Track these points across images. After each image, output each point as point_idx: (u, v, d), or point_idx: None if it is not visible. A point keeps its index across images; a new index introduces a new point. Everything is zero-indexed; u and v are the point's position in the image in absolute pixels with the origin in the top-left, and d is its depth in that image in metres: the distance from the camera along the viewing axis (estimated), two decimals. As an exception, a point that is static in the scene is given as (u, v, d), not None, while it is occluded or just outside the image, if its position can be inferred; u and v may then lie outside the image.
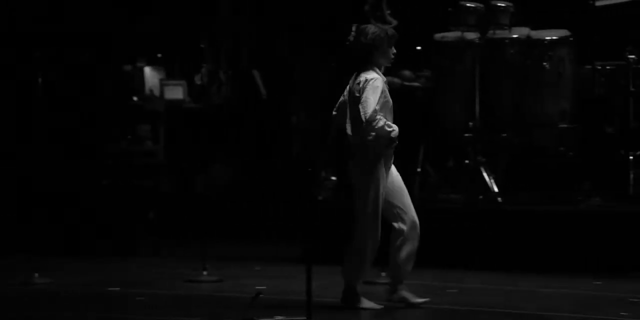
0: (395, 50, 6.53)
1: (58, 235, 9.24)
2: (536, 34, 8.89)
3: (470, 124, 8.87)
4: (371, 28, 6.48)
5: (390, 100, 6.48)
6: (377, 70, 6.48)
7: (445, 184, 9.07)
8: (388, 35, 6.46)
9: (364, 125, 6.35)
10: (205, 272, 7.76)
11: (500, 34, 8.90)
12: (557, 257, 8.14)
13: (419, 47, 9.42)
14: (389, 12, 9.20)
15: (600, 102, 8.85)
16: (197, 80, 10.90)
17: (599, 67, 8.82)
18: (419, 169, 9.06)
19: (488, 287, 7.34)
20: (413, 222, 6.51)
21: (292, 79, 10.64)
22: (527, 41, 8.87)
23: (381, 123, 6.34)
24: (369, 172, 6.45)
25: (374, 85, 6.37)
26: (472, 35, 8.93)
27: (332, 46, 9.59)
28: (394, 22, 9.24)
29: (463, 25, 8.93)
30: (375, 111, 6.34)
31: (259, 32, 10.90)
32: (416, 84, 9.44)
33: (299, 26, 10.60)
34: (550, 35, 8.85)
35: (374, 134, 6.34)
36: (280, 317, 6.10)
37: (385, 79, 6.48)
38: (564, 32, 8.87)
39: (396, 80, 9.39)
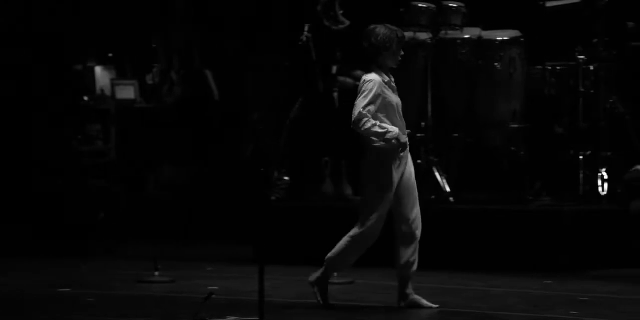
0: (403, 52, 6.50)
1: (8, 236, 9.15)
2: (487, 34, 8.94)
3: (423, 124, 8.90)
4: (382, 29, 6.44)
5: (394, 100, 6.42)
6: (380, 71, 6.43)
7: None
8: (398, 37, 6.42)
9: (352, 127, 6.33)
10: (157, 273, 7.72)
11: (452, 34, 8.94)
12: (509, 256, 8.19)
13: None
14: (341, 12, 9.21)
15: (551, 102, 8.92)
16: (149, 80, 10.85)
17: (550, 68, 8.89)
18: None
19: (441, 286, 7.37)
20: (404, 233, 6.47)
21: (245, 79, 10.62)
22: (479, 42, 8.91)
23: (368, 125, 6.31)
24: (372, 174, 6.42)
25: (367, 88, 6.37)
26: (424, 36, 8.96)
27: (285, 46, 9.59)
28: (347, 23, 9.26)
29: (415, 26, 8.96)
30: (361, 114, 6.32)
31: (211, 32, 10.86)
32: (369, 84, 9.45)
33: (251, 26, 10.58)
34: (502, 36, 8.90)
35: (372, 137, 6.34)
36: (232, 318, 6.09)
37: (386, 79, 6.41)
38: (514, 33, 8.93)
39: (349, 80, 9.40)
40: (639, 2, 9.01)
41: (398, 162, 6.43)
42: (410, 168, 6.52)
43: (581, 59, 8.74)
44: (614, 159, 8.79)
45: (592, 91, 8.80)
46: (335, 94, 9.26)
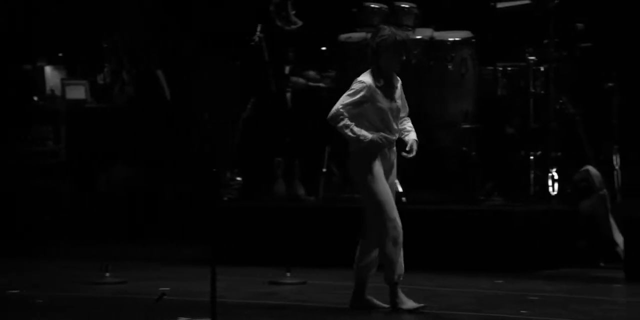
0: (405, 57, 6.44)
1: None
2: (439, 35, 8.98)
3: (375, 124, 8.91)
4: (384, 31, 6.39)
5: (385, 105, 6.34)
6: (379, 73, 6.37)
7: (350, 183, 9.11)
8: (396, 41, 6.34)
9: (327, 119, 6.32)
10: (107, 274, 7.67)
11: (404, 35, 8.96)
12: (459, 256, 8.23)
13: (324, 48, 9.45)
14: (294, 12, 9.21)
15: (502, 102, 8.98)
16: (100, 80, 10.78)
17: (501, 68, 8.95)
18: (324, 169, 9.09)
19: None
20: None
21: (197, 79, 10.59)
22: (431, 42, 8.95)
23: (341, 123, 6.29)
24: (363, 165, 6.37)
25: (355, 87, 6.34)
26: (376, 36, 8.97)
27: (237, 46, 9.57)
28: (299, 23, 9.27)
29: (368, 26, 8.97)
30: (338, 111, 6.28)
31: (163, 32, 10.82)
32: (321, 84, 9.47)
33: (203, 26, 10.54)
34: (453, 37, 8.94)
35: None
36: (184, 318, 6.06)
37: (380, 83, 6.35)
38: (466, 34, 8.98)
39: (301, 80, 9.41)
40: (588, 3, 9.10)
41: (383, 158, 6.40)
42: (394, 171, 6.49)
43: (532, 59, 8.80)
44: (564, 159, 8.86)
45: (542, 92, 8.87)
46: (288, 94, 9.26)
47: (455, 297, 7.03)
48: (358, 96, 6.34)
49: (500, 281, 7.68)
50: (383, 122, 6.36)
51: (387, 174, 6.44)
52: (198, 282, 7.22)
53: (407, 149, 6.46)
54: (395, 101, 6.43)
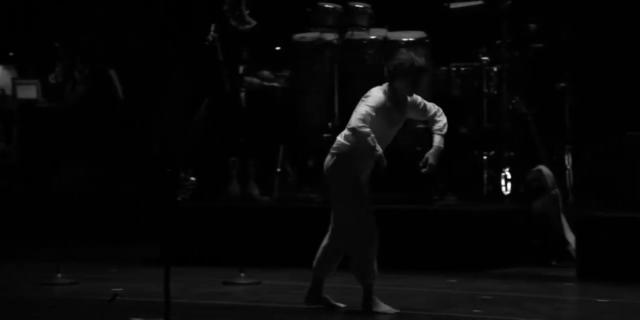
0: (419, 82, 6.36)
1: None
2: (393, 35, 9.01)
3: (330, 124, 8.92)
4: (402, 55, 6.35)
5: (382, 123, 6.29)
6: (394, 93, 6.31)
7: (304, 183, 9.11)
8: (414, 67, 6.30)
9: (349, 127, 6.25)
10: (59, 275, 7.61)
11: (358, 35, 8.98)
12: (413, 255, 8.25)
13: (278, 48, 9.45)
14: (248, 12, 9.19)
15: (456, 102, 9.02)
16: (51, 79, 10.69)
17: (454, 69, 8.99)
18: (278, 169, 9.09)
19: (344, 286, 7.39)
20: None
21: (151, 79, 10.53)
22: (385, 42, 8.97)
23: (366, 130, 6.18)
24: (345, 173, 6.35)
25: (372, 94, 6.28)
26: (330, 36, 8.99)
27: (191, 45, 9.54)
28: (253, 23, 9.25)
29: (322, 26, 8.98)
30: (367, 114, 6.21)
31: (116, 31, 10.75)
32: (275, 84, 9.46)
33: (157, 25, 10.49)
34: (407, 37, 8.97)
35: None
36: (137, 319, 6.03)
37: (388, 104, 6.28)
38: (420, 34, 9.01)
39: (255, 80, 9.40)
40: (541, 4, 9.17)
41: (365, 167, 6.41)
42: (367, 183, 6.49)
43: (485, 60, 8.85)
44: (516, 159, 8.92)
45: (495, 92, 8.92)
46: (242, 94, 9.24)
47: (410, 297, 7.05)
48: (376, 103, 6.26)
49: (453, 280, 7.71)
50: (377, 136, 6.32)
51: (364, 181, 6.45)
52: (151, 282, 7.18)
53: (421, 163, 6.40)
54: (396, 124, 6.40)
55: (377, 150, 6.25)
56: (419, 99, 6.48)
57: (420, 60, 6.35)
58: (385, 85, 6.39)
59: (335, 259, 6.50)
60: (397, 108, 6.39)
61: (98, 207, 10.22)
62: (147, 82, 10.52)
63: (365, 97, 6.36)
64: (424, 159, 6.39)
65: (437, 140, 6.44)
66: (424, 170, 6.39)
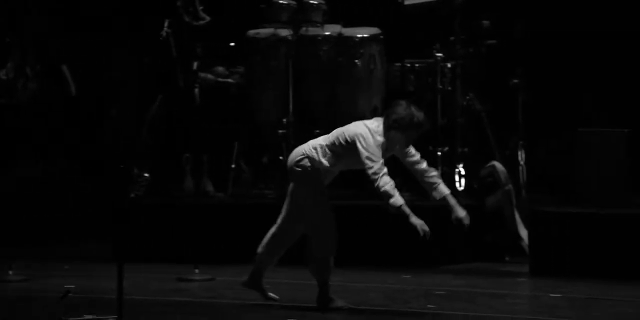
0: (411, 135, 6.30)
1: None
2: (347, 31, 9.02)
3: (284, 120, 8.92)
4: (402, 109, 6.26)
5: (354, 160, 6.29)
6: (389, 143, 6.28)
7: (259, 180, 9.10)
8: (413, 123, 6.25)
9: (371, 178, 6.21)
10: (11, 272, 7.55)
11: (312, 31, 8.98)
12: (367, 251, 8.27)
13: (232, 44, 9.42)
14: (201, 8, 9.16)
15: (410, 99, 9.03)
16: (2, 75, 10.57)
17: (409, 65, 9.01)
18: (233, 166, 9.06)
19: (299, 282, 7.39)
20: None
21: (104, 75, 10.46)
22: (339, 38, 8.98)
23: (387, 179, 6.22)
24: (313, 181, 6.38)
25: (369, 139, 6.25)
26: (285, 32, 8.98)
27: (144, 41, 9.48)
28: (207, 18, 9.22)
29: (276, 22, 8.97)
30: (379, 166, 6.22)
31: (68, 27, 10.66)
32: (230, 80, 9.43)
33: (110, 21, 10.42)
34: (361, 33, 8.99)
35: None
36: (89, 316, 5.99)
37: (381, 140, 6.24)
38: (374, 30, 9.02)
39: (210, 76, 9.36)
40: (494, 1, 9.21)
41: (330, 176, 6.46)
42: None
43: (439, 56, 8.88)
44: (470, 155, 8.96)
45: (449, 88, 8.95)
46: (196, 90, 9.21)
47: (364, 293, 7.07)
48: (372, 144, 6.25)
49: (407, 276, 7.74)
50: (349, 167, 6.35)
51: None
52: (105, 279, 7.15)
53: (458, 217, 6.37)
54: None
55: (413, 221, 6.24)
56: (412, 150, 6.41)
57: (420, 116, 6.31)
58: (375, 127, 6.30)
59: (279, 250, 6.49)
60: (385, 153, 6.36)
61: (51, 203, 10.13)
62: (100, 78, 10.44)
63: (363, 138, 6.27)
64: (456, 220, 6.35)
65: (446, 190, 6.39)
66: (466, 226, 6.35)
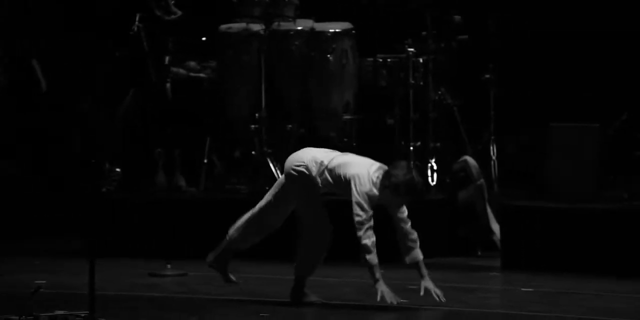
0: (406, 200, 6.26)
1: None
2: (320, 26, 9.02)
3: (257, 115, 8.91)
4: (401, 173, 6.17)
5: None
6: (384, 199, 6.25)
7: (231, 174, 9.09)
8: (410, 190, 6.18)
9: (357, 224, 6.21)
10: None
11: (284, 26, 8.98)
12: (342, 246, 8.26)
13: (204, 38, 9.40)
14: (173, 2, 9.13)
15: (382, 93, 9.06)
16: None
17: (381, 60, 9.03)
18: (205, 160, 9.05)
19: (270, 277, 7.39)
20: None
21: (75, 69, 10.41)
22: (311, 33, 8.98)
23: (369, 233, 6.26)
24: (308, 184, 6.39)
25: (362, 182, 6.22)
26: (257, 27, 8.97)
27: (116, 35, 9.44)
28: (179, 13, 9.19)
29: (248, 17, 8.96)
30: (368, 217, 6.24)
31: (38, 20, 10.60)
32: (202, 75, 9.42)
33: (81, 15, 10.37)
34: (334, 28, 8.99)
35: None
36: (61, 312, 5.96)
37: (375, 194, 6.22)
38: (346, 25, 9.03)
39: (182, 71, 9.34)
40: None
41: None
42: None
43: (411, 51, 8.90)
44: (442, 149, 8.99)
45: (421, 83, 8.98)
46: (168, 85, 9.18)
47: (337, 288, 7.07)
48: (366, 190, 6.23)
49: (381, 271, 7.74)
50: (339, 194, 6.37)
51: None
52: (76, 275, 7.11)
53: (427, 288, 6.34)
54: None
55: (381, 289, 6.28)
56: (403, 207, 6.38)
57: (419, 183, 6.27)
58: (375, 178, 6.25)
59: (254, 236, 6.51)
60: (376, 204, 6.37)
61: (21, 198, 10.08)
62: (71, 72, 10.39)
63: (360, 182, 6.25)
64: (424, 290, 6.33)
65: (419, 256, 6.40)
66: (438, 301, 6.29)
